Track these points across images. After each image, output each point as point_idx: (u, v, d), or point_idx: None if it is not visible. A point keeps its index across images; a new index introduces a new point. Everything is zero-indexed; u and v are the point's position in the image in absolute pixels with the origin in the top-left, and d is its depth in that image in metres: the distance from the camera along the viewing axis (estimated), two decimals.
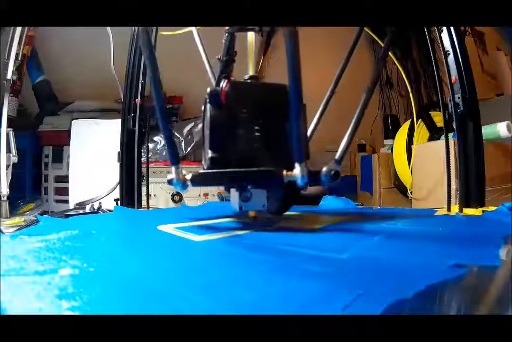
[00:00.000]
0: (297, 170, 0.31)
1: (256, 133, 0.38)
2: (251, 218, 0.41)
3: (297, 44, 0.27)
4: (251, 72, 0.42)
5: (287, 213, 0.47)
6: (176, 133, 1.24)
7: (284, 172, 0.33)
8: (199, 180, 0.34)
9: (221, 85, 0.38)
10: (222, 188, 0.52)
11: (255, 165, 0.35)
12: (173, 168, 0.33)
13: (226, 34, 0.49)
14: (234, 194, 0.38)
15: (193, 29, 0.62)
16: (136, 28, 0.73)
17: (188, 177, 0.34)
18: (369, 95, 0.36)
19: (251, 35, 0.44)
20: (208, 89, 0.38)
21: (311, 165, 0.33)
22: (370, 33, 1.04)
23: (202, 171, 0.36)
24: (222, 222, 0.45)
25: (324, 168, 0.33)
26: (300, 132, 0.31)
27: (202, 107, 0.41)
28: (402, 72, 1.29)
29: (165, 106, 0.34)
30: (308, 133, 0.47)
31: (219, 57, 0.52)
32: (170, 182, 0.34)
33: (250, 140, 0.38)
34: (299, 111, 0.30)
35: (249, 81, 0.42)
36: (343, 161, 0.34)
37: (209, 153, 0.37)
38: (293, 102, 0.30)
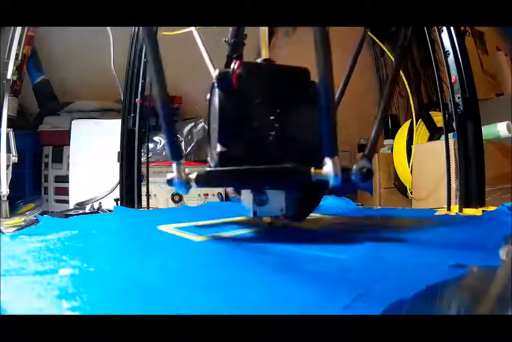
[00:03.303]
0: (328, 167, 0.26)
1: (275, 124, 0.32)
2: (266, 224, 0.35)
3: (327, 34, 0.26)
4: (264, 55, 0.36)
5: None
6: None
7: (312, 170, 0.28)
8: (205, 180, 0.29)
9: (232, 66, 0.32)
10: (230, 189, 0.42)
11: (273, 162, 0.30)
12: (174, 165, 0.28)
13: None
14: (247, 197, 0.33)
15: (193, 29, 0.62)
16: (136, 28, 0.73)
17: (192, 176, 0.28)
18: (391, 90, 0.33)
19: None
20: (217, 71, 0.32)
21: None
22: (370, 34, 1.04)
23: (209, 169, 0.31)
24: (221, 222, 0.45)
25: (355, 166, 0.28)
26: (332, 122, 0.26)
27: (208, 96, 0.35)
28: (402, 72, 1.29)
29: (168, 99, 0.30)
30: None
31: (226, 39, 0.46)
32: (170, 182, 0.28)
33: (266, 132, 0.32)
34: (331, 97, 0.26)
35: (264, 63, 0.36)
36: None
37: (218, 148, 0.31)
38: (323, 86, 0.25)
